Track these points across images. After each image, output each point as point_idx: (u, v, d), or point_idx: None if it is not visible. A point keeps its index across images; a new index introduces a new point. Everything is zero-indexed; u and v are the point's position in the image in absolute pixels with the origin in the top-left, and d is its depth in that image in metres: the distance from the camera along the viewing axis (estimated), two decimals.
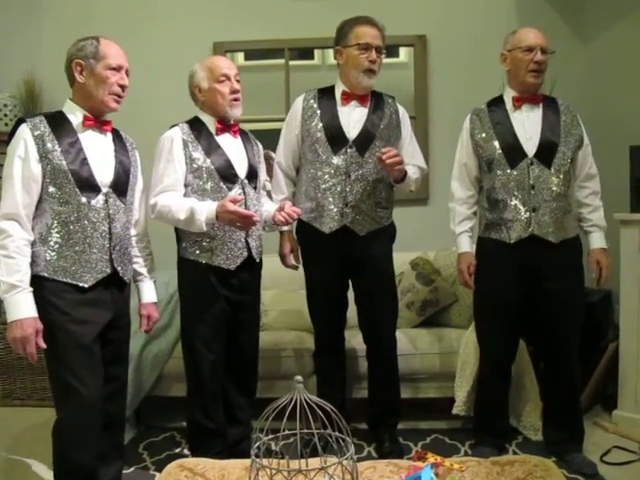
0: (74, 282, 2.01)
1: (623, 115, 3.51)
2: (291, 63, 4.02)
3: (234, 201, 2.22)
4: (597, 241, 2.60)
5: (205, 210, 2.26)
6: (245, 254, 2.45)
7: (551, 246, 2.50)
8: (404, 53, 4.03)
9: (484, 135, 2.57)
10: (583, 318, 2.62)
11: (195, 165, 2.38)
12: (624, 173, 3.07)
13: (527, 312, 2.63)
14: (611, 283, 3.19)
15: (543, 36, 2.51)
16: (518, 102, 2.56)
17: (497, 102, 2.63)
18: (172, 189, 2.36)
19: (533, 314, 2.64)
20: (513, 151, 2.51)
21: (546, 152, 2.50)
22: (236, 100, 2.44)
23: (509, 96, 2.59)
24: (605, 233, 2.61)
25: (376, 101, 2.67)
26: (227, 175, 2.41)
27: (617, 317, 3.11)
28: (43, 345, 1.95)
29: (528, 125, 2.54)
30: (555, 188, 2.50)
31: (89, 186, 2.03)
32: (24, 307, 1.92)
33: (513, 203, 2.50)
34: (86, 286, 2.03)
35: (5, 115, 3.75)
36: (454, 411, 2.94)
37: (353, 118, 2.62)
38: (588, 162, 2.61)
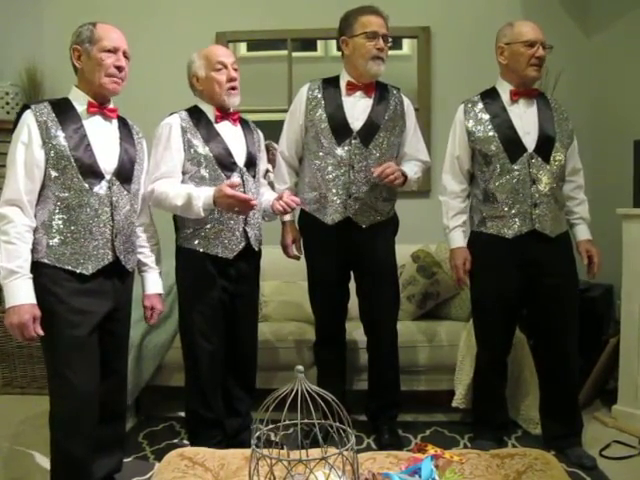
0: (75, 269, 2.00)
1: (627, 109, 3.49)
2: (294, 54, 4.00)
3: (232, 186, 2.21)
4: (584, 233, 2.64)
5: (202, 195, 2.25)
6: (243, 243, 2.44)
7: (547, 240, 2.50)
8: (407, 46, 4.01)
9: (480, 128, 2.54)
10: (578, 310, 2.62)
11: (193, 152, 2.37)
12: (627, 168, 3.05)
13: (525, 306, 2.64)
14: (612, 278, 3.20)
15: (541, 30, 2.49)
16: (515, 96, 2.53)
17: (491, 94, 2.59)
18: (169, 176, 2.35)
19: (531, 308, 2.64)
20: (513, 145, 2.49)
21: (545, 147, 2.50)
22: (233, 89, 2.43)
23: (505, 89, 2.56)
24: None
25: (381, 92, 2.65)
26: (225, 163, 2.41)
27: (618, 312, 3.10)
28: (41, 332, 1.94)
29: (525, 119, 2.52)
30: (553, 183, 2.50)
31: (92, 172, 2.03)
32: (22, 293, 1.92)
33: (514, 198, 2.49)
34: (87, 274, 2.02)
35: (7, 103, 3.74)
36: (454, 404, 2.95)
37: (358, 109, 2.60)
38: (575, 157, 2.64)
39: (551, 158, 2.50)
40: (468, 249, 2.61)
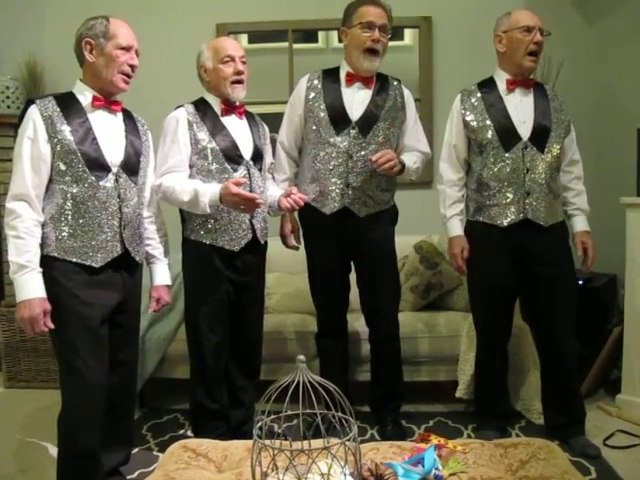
0: (84, 262, 2.01)
1: (630, 98, 3.47)
2: (295, 46, 3.98)
3: (237, 183, 2.21)
4: (581, 224, 2.62)
5: (209, 192, 2.25)
6: (250, 236, 2.45)
7: (541, 230, 2.50)
8: (409, 37, 3.99)
9: (477, 117, 2.54)
10: (576, 300, 2.62)
11: (200, 146, 2.38)
12: (630, 156, 3.04)
13: (521, 295, 2.65)
14: (616, 267, 3.19)
15: (539, 18, 2.48)
16: (512, 85, 2.53)
17: (488, 84, 2.60)
18: (176, 170, 2.36)
19: (526, 297, 2.65)
20: (508, 134, 2.49)
21: (539, 136, 2.50)
22: (239, 82, 2.42)
23: (501, 78, 2.56)
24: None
25: (381, 83, 2.65)
26: (232, 156, 2.41)
27: (622, 302, 3.09)
28: (51, 325, 1.96)
29: (521, 109, 2.52)
30: (547, 172, 2.49)
31: (99, 165, 2.03)
32: (33, 287, 1.93)
33: (507, 187, 2.49)
34: (96, 266, 2.03)
35: (7, 97, 3.74)
36: (457, 394, 2.95)
37: (357, 99, 2.60)
38: (573, 148, 2.63)
39: (546, 148, 2.50)
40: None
